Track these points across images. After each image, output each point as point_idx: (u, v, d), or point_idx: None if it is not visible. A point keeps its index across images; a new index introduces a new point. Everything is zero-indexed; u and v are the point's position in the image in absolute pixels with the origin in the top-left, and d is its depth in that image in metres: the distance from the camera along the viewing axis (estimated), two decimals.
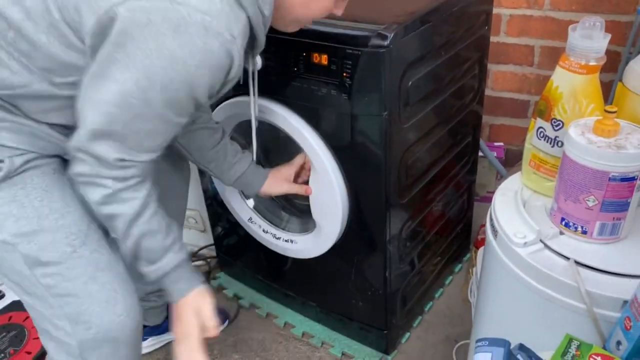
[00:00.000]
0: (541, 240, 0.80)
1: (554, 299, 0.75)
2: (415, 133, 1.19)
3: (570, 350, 0.66)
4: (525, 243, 0.78)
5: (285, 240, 1.37)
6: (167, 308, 1.45)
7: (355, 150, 1.12)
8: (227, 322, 1.56)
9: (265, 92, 1.16)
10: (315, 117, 1.13)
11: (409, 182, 1.23)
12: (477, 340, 0.68)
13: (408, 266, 1.36)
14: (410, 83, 1.09)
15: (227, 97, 1.25)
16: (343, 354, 1.43)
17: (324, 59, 1.04)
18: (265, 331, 1.53)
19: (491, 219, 0.86)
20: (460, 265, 1.71)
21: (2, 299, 1.58)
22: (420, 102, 1.17)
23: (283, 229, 1.40)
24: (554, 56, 1.74)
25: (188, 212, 1.75)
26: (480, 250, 1.43)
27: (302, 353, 1.46)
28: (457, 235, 1.64)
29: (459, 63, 1.31)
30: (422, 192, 1.30)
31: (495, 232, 0.84)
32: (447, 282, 1.64)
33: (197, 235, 1.80)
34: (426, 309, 1.55)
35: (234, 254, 1.65)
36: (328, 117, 1.11)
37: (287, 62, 1.10)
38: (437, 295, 1.60)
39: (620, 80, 0.89)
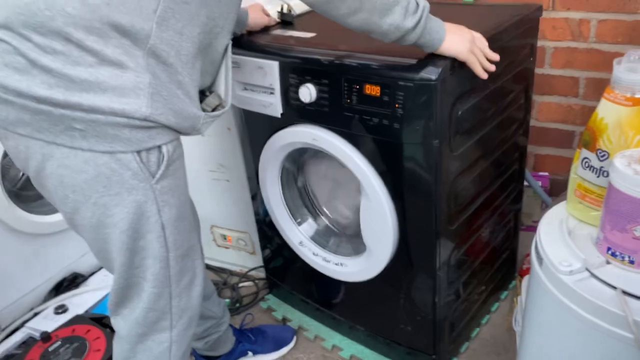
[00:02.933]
0: (587, 269, 0.82)
1: (601, 327, 0.77)
2: (464, 161, 1.24)
3: None
4: (571, 271, 0.81)
5: (336, 264, 1.43)
6: (234, 332, 1.51)
7: (406, 177, 1.17)
8: (288, 345, 1.60)
9: (320, 121, 1.24)
10: (367, 145, 1.19)
11: (457, 210, 1.27)
12: None
13: (456, 292, 1.39)
14: (459, 113, 1.14)
15: (281, 127, 1.33)
16: None
17: (377, 91, 1.11)
18: (313, 353, 1.57)
19: (536, 247, 0.90)
20: (506, 293, 1.72)
21: (66, 313, 1.68)
22: (469, 132, 1.22)
23: (333, 253, 1.46)
24: (599, 87, 1.76)
25: (238, 234, 1.84)
26: (525, 279, 1.44)
27: None
28: (502, 263, 1.66)
29: (505, 94, 1.35)
30: (469, 219, 1.34)
31: (540, 260, 0.87)
32: (493, 309, 1.65)
33: (247, 257, 1.88)
34: (473, 335, 1.56)
35: (282, 276, 1.71)
36: (380, 145, 1.17)
37: (340, 94, 1.17)
38: (484, 322, 1.61)
39: None
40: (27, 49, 0.79)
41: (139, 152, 0.87)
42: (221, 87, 1.06)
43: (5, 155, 1.58)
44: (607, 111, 0.84)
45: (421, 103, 1.07)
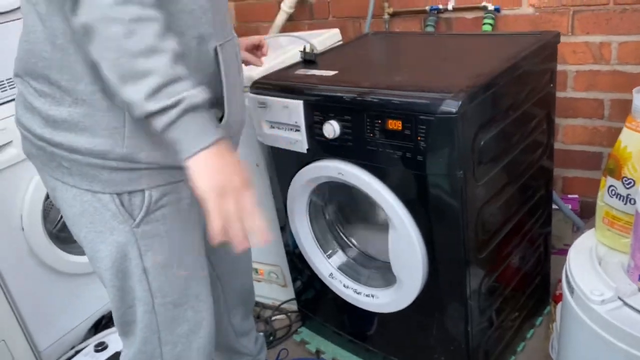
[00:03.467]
0: (619, 298, 0.82)
1: (635, 357, 0.77)
2: (490, 190, 1.25)
3: None
4: (603, 300, 0.81)
5: (367, 295, 1.44)
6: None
7: (432, 208, 1.19)
8: None
9: (345, 156, 1.27)
10: (393, 178, 1.22)
11: (486, 238, 1.27)
12: None
13: (489, 320, 1.38)
14: (482, 143, 1.16)
15: (307, 162, 1.36)
16: None
17: (399, 125, 1.14)
18: None
19: (567, 276, 0.90)
20: (541, 319, 1.69)
21: (106, 350, 1.72)
22: (493, 160, 1.23)
23: (364, 284, 1.47)
24: (624, 108, 1.75)
25: (269, 268, 1.86)
26: (559, 305, 1.43)
27: None
28: (535, 288, 1.64)
29: (527, 121, 1.37)
30: (499, 246, 1.34)
31: (571, 289, 0.87)
32: (528, 335, 1.63)
33: (278, 290, 1.90)
34: None
35: (315, 309, 1.73)
36: (404, 177, 1.19)
37: (363, 129, 1.20)
38: (519, 349, 1.58)
39: None
40: (28, 92, 0.87)
41: (119, 194, 0.87)
42: (224, 95, 0.93)
43: (47, 197, 1.66)
44: (630, 140, 0.85)
45: (443, 135, 1.09)
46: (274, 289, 1.91)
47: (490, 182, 1.24)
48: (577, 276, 0.86)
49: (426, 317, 1.36)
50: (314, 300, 1.71)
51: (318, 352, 1.70)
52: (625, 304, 0.81)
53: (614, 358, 0.79)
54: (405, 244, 1.25)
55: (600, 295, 0.81)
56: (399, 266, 1.30)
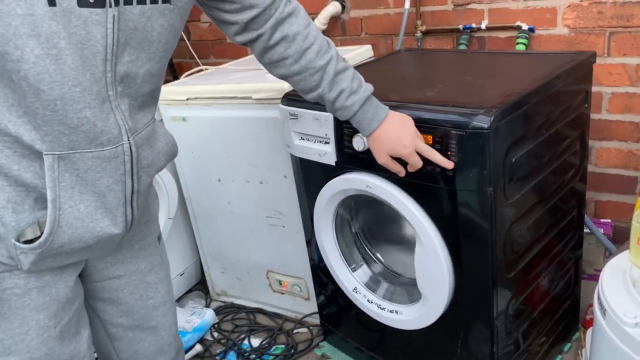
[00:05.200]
0: None
1: None
2: (520, 208, 1.23)
3: None
4: (637, 323, 0.79)
5: (390, 311, 1.42)
6: None
7: (461, 225, 1.17)
8: None
9: (373, 169, 1.27)
10: (421, 193, 1.21)
11: (514, 257, 1.25)
12: None
13: (515, 343, 1.35)
14: (513, 160, 1.15)
15: (335, 175, 1.37)
16: None
17: (429, 139, 1.14)
18: None
19: (599, 298, 0.88)
20: (569, 345, 1.64)
21: None
22: (524, 179, 1.22)
23: (388, 300, 1.45)
24: None
25: (293, 280, 1.87)
26: (589, 331, 1.38)
27: None
28: (564, 313, 1.60)
29: (560, 140, 1.35)
30: (527, 267, 1.32)
31: (604, 311, 0.85)
32: None
33: (301, 303, 1.90)
34: None
35: (337, 323, 1.72)
36: (433, 192, 1.19)
37: None
38: None
39: None
40: None
41: None
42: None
43: None
44: None
45: (474, 151, 1.08)
46: (297, 302, 1.91)
47: (520, 201, 1.22)
48: (610, 298, 0.84)
49: (450, 337, 1.33)
50: (337, 315, 1.70)
51: None
52: None
53: None
54: (432, 260, 1.23)
55: (634, 318, 0.79)
56: (425, 283, 1.29)
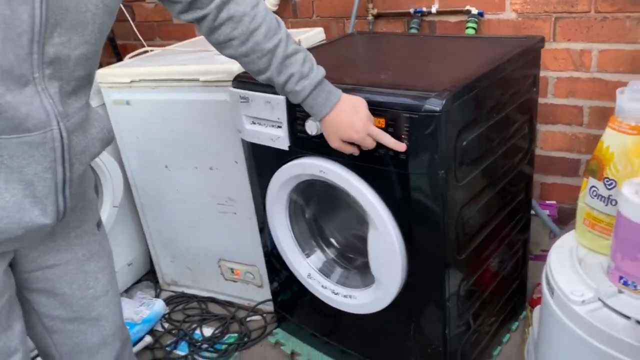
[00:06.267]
0: (600, 299, 0.81)
1: (615, 358, 0.76)
2: (470, 191, 1.24)
3: None
4: (583, 301, 0.81)
5: (344, 296, 1.42)
6: None
7: (413, 207, 1.17)
8: None
9: (326, 153, 1.25)
10: (374, 177, 1.20)
11: (465, 239, 1.27)
12: None
13: (466, 324, 1.37)
14: (464, 143, 1.15)
15: (288, 160, 1.34)
16: None
17: (382, 123, 1.12)
18: None
19: (547, 277, 0.89)
20: (517, 323, 1.69)
21: None
22: (474, 162, 1.23)
23: (342, 285, 1.45)
24: (603, 116, 1.77)
25: (246, 268, 1.83)
26: (536, 310, 1.42)
27: None
28: (512, 293, 1.64)
29: (509, 124, 1.37)
30: (477, 249, 1.33)
31: (551, 290, 0.86)
32: (504, 340, 1.63)
33: (254, 290, 1.87)
34: None
35: (291, 310, 1.70)
36: (386, 176, 1.18)
37: None
38: (495, 353, 1.58)
39: None
40: None
41: None
42: None
43: None
44: (612, 140, 0.85)
45: (427, 134, 1.08)
46: (250, 290, 1.88)
47: (471, 184, 1.23)
48: (557, 277, 0.86)
49: (404, 319, 1.34)
50: (291, 302, 1.68)
51: (293, 353, 1.67)
52: (605, 305, 0.80)
53: (592, 358, 0.79)
54: (385, 244, 1.23)
55: (581, 296, 0.81)
56: (378, 266, 1.28)
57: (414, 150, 1.10)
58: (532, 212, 1.69)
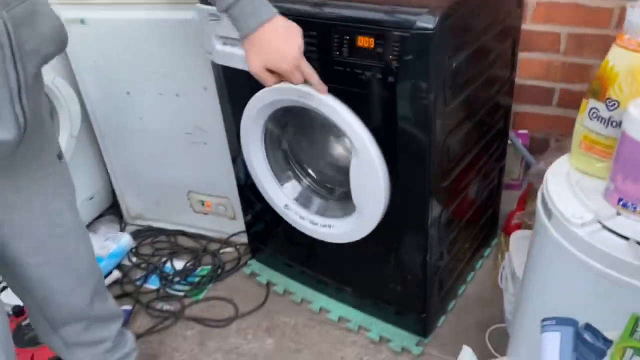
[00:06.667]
0: (599, 221, 0.80)
1: (614, 278, 0.76)
2: (455, 118, 1.20)
3: (638, 329, 0.67)
4: (583, 224, 0.79)
5: (323, 226, 1.39)
6: None
7: (399, 133, 1.13)
8: None
9: None
10: (359, 101, 1.14)
11: (449, 166, 1.24)
12: (544, 320, 0.69)
13: (445, 251, 1.37)
14: (453, 66, 1.10)
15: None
16: (381, 337, 1.44)
17: (370, 43, 1.05)
18: (299, 316, 1.55)
19: (544, 201, 0.87)
20: (489, 250, 1.72)
21: None
22: (461, 87, 1.18)
23: (321, 215, 1.41)
24: (581, 43, 1.74)
25: (217, 200, 1.77)
26: (514, 236, 1.44)
27: (334, 337, 1.48)
28: (486, 221, 1.65)
29: (493, 49, 1.32)
30: (459, 177, 1.32)
31: (549, 213, 0.85)
32: (477, 266, 1.66)
33: (227, 222, 1.82)
34: (459, 293, 1.57)
35: (266, 241, 1.67)
36: (372, 100, 1.12)
37: (330, 47, 1.11)
38: (469, 279, 1.61)
39: None
40: None
41: None
42: None
43: None
44: (618, 58, 0.82)
45: (417, 54, 1.02)
46: (222, 222, 1.83)
47: (457, 110, 1.20)
48: (556, 200, 0.84)
49: (384, 247, 1.33)
50: (265, 233, 1.65)
51: (269, 284, 1.65)
52: (604, 227, 0.79)
53: (590, 280, 0.79)
54: (368, 172, 1.19)
55: (581, 219, 0.79)
56: (360, 195, 1.25)
57: (403, 73, 1.04)
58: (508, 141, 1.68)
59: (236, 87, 1.36)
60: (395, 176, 1.19)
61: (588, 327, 0.69)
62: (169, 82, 1.57)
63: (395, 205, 1.23)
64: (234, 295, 1.64)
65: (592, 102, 0.87)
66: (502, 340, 1.42)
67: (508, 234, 1.60)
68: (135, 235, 1.90)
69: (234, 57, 1.27)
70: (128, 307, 1.60)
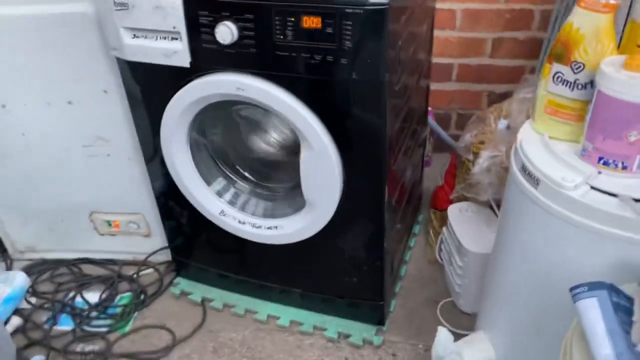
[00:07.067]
0: (586, 182, 0.82)
1: (609, 234, 0.77)
2: (400, 98, 1.17)
3: None
4: (576, 186, 0.80)
5: (269, 228, 1.28)
6: None
7: (353, 119, 1.06)
8: None
9: (244, 66, 1.06)
10: (307, 89, 1.05)
11: (395, 151, 1.21)
12: (573, 288, 0.68)
13: (394, 233, 1.35)
14: (399, 43, 1.06)
15: (189, 79, 1.11)
16: (339, 334, 1.38)
17: (317, 22, 0.97)
18: (247, 329, 1.43)
19: (526, 170, 0.87)
20: (418, 227, 1.74)
21: None
22: (402, 67, 1.15)
23: (263, 217, 1.31)
24: (476, 18, 1.82)
25: (129, 217, 1.57)
26: (452, 209, 1.46)
27: (290, 343, 1.39)
28: (413, 198, 1.67)
29: (420, 30, 1.31)
30: (402, 158, 1.30)
31: (536, 181, 0.85)
32: (412, 244, 1.67)
33: (140, 241, 1.62)
34: (402, 274, 1.56)
35: (193, 254, 1.51)
36: (322, 86, 1.04)
37: (270, 30, 1.00)
38: (407, 258, 1.61)
39: (631, 19, 0.92)
40: None
41: None
42: None
43: None
44: (583, 21, 0.83)
45: (372, 32, 0.96)
46: (134, 242, 1.62)
47: (400, 91, 1.16)
48: (540, 167, 0.84)
49: (338, 240, 1.26)
50: (191, 245, 1.49)
51: (204, 301, 1.50)
52: (592, 187, 0.81)
53: (585, 238, 0.80)
54: (322, 163, 1.11)
55: (572, 182, 0.80)
56: (312, 189, 1.17)
57: (357, 52, 0.98)
58: None
59: (152, 85, 1.19)
60: (348, 164, 1.13)
61: (612, 287, 0.69)
62: (59, 88, 1.34)
63: (349, 195, 1.17)
64: (166, 320, 1.47)
65: (556, 67, 0.88)
66: (453, 315, 1.44)
67: (439, 208, 1.63)
68: (27, 271, 1.61)
69: (148, 50, 1.12)
70: (41, 357, 1.36)
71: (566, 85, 0.88)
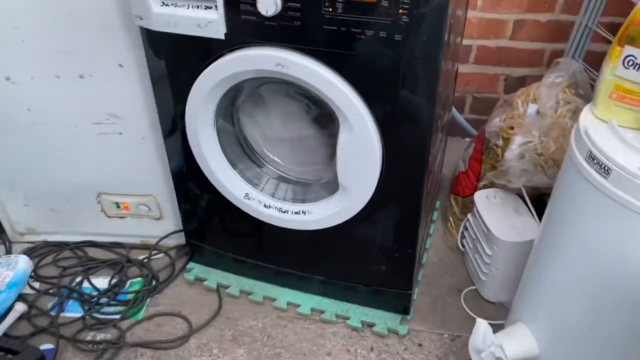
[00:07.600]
0: None
1: None
2: (444, 80, 1.12)
3: None
4: None
5: (296, 213, 1.22)
6: None
7: (400, 101, 1.00)
8: None
9: (286, 40, 0.99)
10: (353, 67, 0.99)
11: (435, 133, 1.16)
12: None
13: (424, 220, 1.30)
14: (451, 22, 1.00)
15: (222, 54, 1.03)
16: (362, 323, 1.33)
17: None
18: (266, 317, 1.37)
19: (593, 157, 0.83)
20: (436, 213, 1.70)
21: None
22: (447, 47, 1.09)
23: (291, 201, 1.24)
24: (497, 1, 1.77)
25: (138, 199, 1.49)
26: (479, 196, 1.43)
27: (312, 332, 1.34)
28: (435, 184, 1.62)
29: (460, 7, 1.24)
30: (436, 143, 1.25)
31: (606, 170, 0.80)
32: (431, 231, 1.63)
33: (150, 224, 1.54)
34: (424, 262, 1.52)
35: (208, 238, 1.44)
36: (370, 65, 0.98)
37: (318, 2, 0.93)
38: (427, 246, 1.58)
39: None
40: None
41: None
42: None
43: None
44: None
45: (433, 5, 0.89)
46: (143, 225, 1.54)
47: (446, 72, 1.11)
48: (613, 156, 0.80)
49: (370, 227, 1.21)
50: (207, 229, 1.42)
51: (220, 287, 1.44)
52: None
53: None
54: (363, 147, 1.06)
55: None
56: (349, 173, 1.11)
57: (415, 28, 0.91)
58: None
59: (179, 59, 1.11)
60: (389, 148, 1.07)
61: None
62: (69, 60, 1.24)
63: (387, 180, 1.12)
64: (180, 307, 1.40)
65: (628, 49, 0.84)
66: (477, 303, 1.41)
67: (461, 195, 1.59)
68: (28, 254, 1.52)
69: (179, 20, 1.03)
70: (49, 345, 1.28)
71: (638, 69, 0.84)
